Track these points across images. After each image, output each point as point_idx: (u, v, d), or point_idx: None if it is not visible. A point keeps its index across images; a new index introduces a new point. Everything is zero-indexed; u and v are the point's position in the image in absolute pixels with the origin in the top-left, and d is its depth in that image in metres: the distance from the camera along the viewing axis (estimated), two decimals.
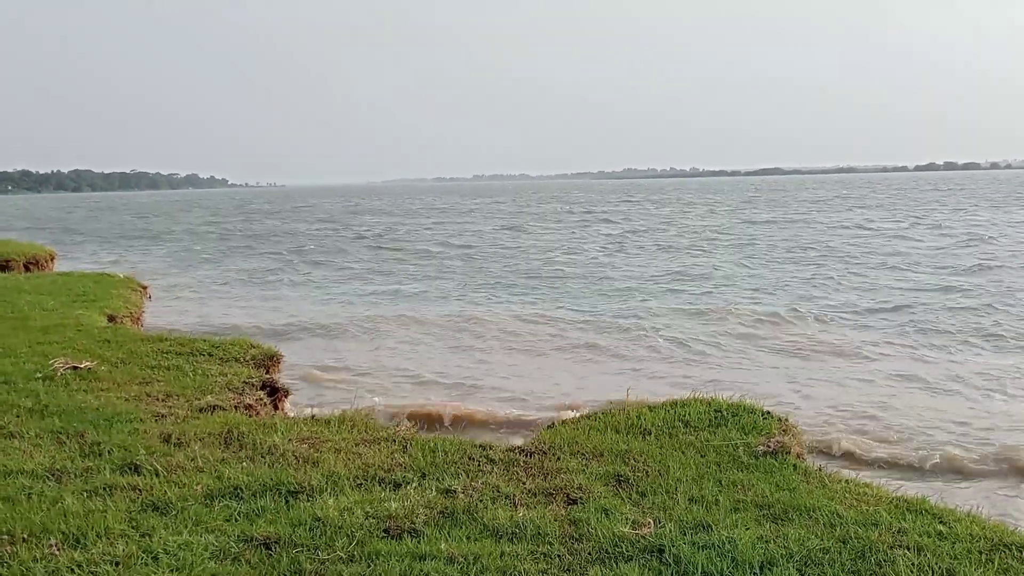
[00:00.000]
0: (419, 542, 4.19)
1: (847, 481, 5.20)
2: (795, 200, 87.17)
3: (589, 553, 4.13)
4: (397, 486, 4.98)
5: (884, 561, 4.02)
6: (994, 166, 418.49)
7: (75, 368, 7.71)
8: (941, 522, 4.49)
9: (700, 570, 3.93)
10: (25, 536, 4.17)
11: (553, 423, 6.59)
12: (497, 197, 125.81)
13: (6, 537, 4.15)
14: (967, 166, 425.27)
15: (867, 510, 4.63)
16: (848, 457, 9.50)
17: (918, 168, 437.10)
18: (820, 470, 5.38)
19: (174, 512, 4.52)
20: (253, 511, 4.55)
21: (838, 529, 4.38)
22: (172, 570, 3.86)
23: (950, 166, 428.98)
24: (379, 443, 5.85)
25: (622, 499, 4.81)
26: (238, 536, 4.22)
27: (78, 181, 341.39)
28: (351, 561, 4.00)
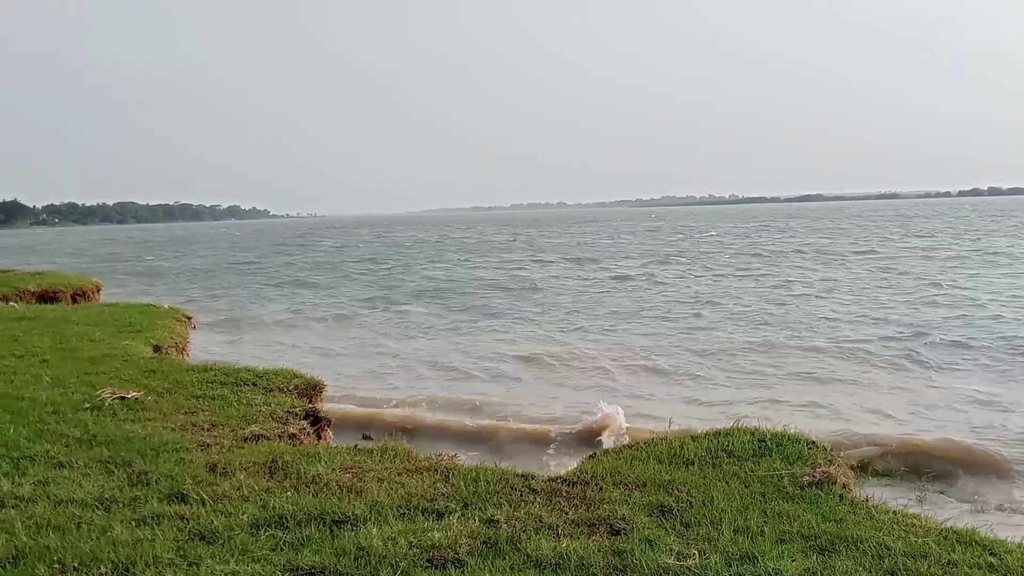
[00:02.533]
0: (463, 572, 4.20)
1: (895, 512, 5.12)
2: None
3: None
4: (440, 516, 4.99)
5: None
6: None
7: (122, 398, 7.83)
8: (991, 554, 4.42)
9: None
10: (76, 565, 4.23)
11: (595, 453, 6.56)
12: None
13: (57, 566, 4.22)
14: (1012, 191, 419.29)
15: (916, 541, 4.57)
16: None
17: (961, 193, 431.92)
18: (867, 501, 5.31)
19: (221, 541, 4.56)
20: (298, 540, 4.58)
21: (886, 561, 4.32)
22: None
23: (994, 191, 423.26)
24: (421, 472, 5.87)
25: (666, 530, 4.78)
26: (284, 565, 4.25)
27: (123, 213, 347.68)
28: None
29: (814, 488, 5.42)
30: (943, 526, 4.90)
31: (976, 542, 4.60)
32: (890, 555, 4.39)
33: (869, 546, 4.50)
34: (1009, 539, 4.73)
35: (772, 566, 4.21)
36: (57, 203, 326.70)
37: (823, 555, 4.42)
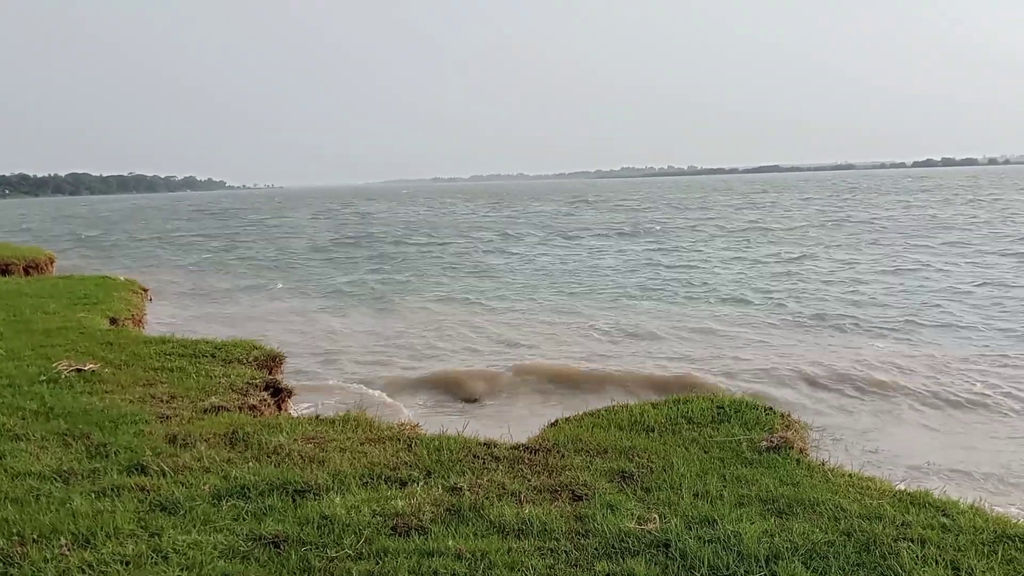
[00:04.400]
0: (427, 539, 4.22)
1: (851, 475, 5.23)
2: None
3: (596, 548, 4.15)
4: (403, 484, 5.00)
5: (888, 553, 4.04)
6: (992, 162, 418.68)
7: (79, 370, 7.74)
8: (944, 514, 4.52)
9: (706, 564, 3.96)
10: (35, 537, 4.20)
11: (556, 421, 6.61)
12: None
13: (16, 538, 4.18)
14: (965, 162, 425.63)
15: (871, 503, 4.66)
16: None
17: (916, 164, 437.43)
18: (823, 465, 5.41)
19: (182, 512, 4.55)
20: (261, 510, 4.57)
21: (842, 522, 4.41)
22: (182, 569, 3.88)
23: (948, 162, 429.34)
24: (384, 442, 5.87)
25: (627, 495, 4.84)
26: (247, 535, 4.25)
27: (75, 184, 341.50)
28: (360, 558, 4.03)
29: (772, 453, 5.51)
30: (898, 488, 5.01)
31: (929, 503, 4.71)
32: (846, 517, 4.48)
33: (825, 508, 4.59)
34: (961, 500, 4.85)
35: (731, 529, 4.28)
36: (7, 174, 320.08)
37: (781, 517, 4.50)
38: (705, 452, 5.61)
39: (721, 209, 74.00)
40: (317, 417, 6.69)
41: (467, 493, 4.82)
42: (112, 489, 4.86)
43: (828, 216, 58.05)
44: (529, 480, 5.10)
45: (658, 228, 52.78)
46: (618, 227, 54.55)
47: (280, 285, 29.57)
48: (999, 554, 4.06)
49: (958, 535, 4.27)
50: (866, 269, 29.14)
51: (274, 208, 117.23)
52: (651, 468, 5.28)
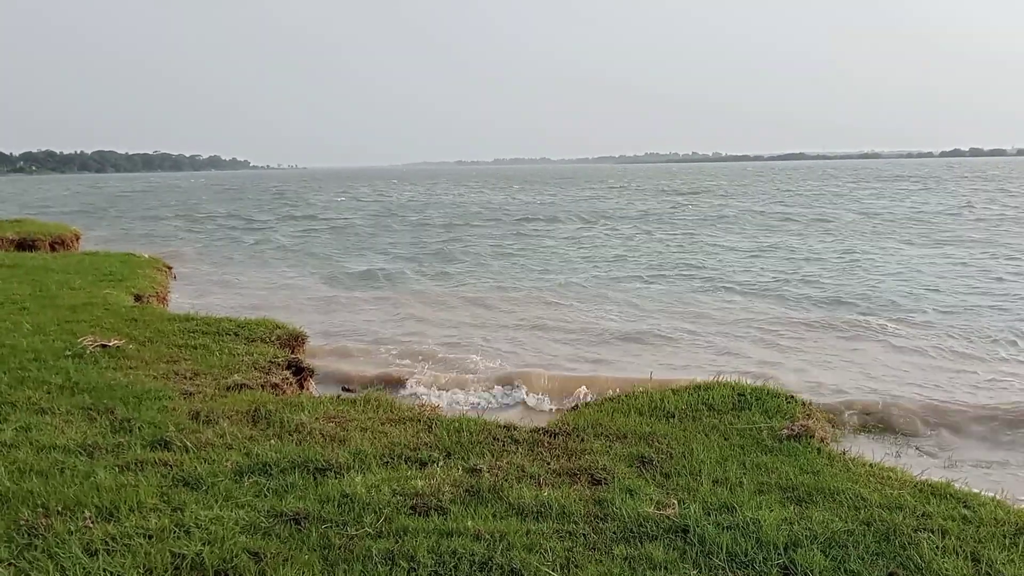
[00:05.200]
0: (446, 519, 4.24)
1: (871, 465, 5.21)
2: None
3: (614, 532, 4.16)
4: (423, 464, 5.03)
5: (908, 544, 4.03)
6: (1020, 152, 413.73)
7: (104, 346, 7.81)
8: (966, 506, 4.50)
9: (725, 550, 3.96)
10: (59, 509, 4.25)
11: (577, 405, 6.61)
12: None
13: (41, 510, 4.23)
14: (993, 152, 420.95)
15: (891, 493, 4.65)
16: None
17: (943, 154, 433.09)
18: (844, 454, 5.39)
19: (205, 487, 4.59)
20: (282, 487, 4.61)
21: (862, 512, 4.40)
22: (204, 543, 3.92)
23: (976, 152, 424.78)
24: (404, 423, 5.91)
25: (646, 480, 4.84)
26: (268, 511, 4.28)
27: (101, 162, 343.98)
28: (379, 537, 4.05)
29: (792, 441, 5.50)
30: (918, 479, 4.98)
31: (951, 495, 4.68)
32: (866, 506, 4.47)
33: (845, 497, 4.58)
34: (983, 491, 4.82)
35: (750, 516, 4.27)
36: (35, 151, 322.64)
37: (800, 506, 4.49)
38: (725, 439, 5.60)
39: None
40: (338, 397, 6.74)
41: (486, 474, 4.84)
42: (135, 463, 4.91)
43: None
44: (548, 463, 5.11)
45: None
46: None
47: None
48: (1020, 546, 4.03)
49: (979, 526, 4.25)
50: None
51: (320, 188, 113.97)
52: (671, 454, 5.28)
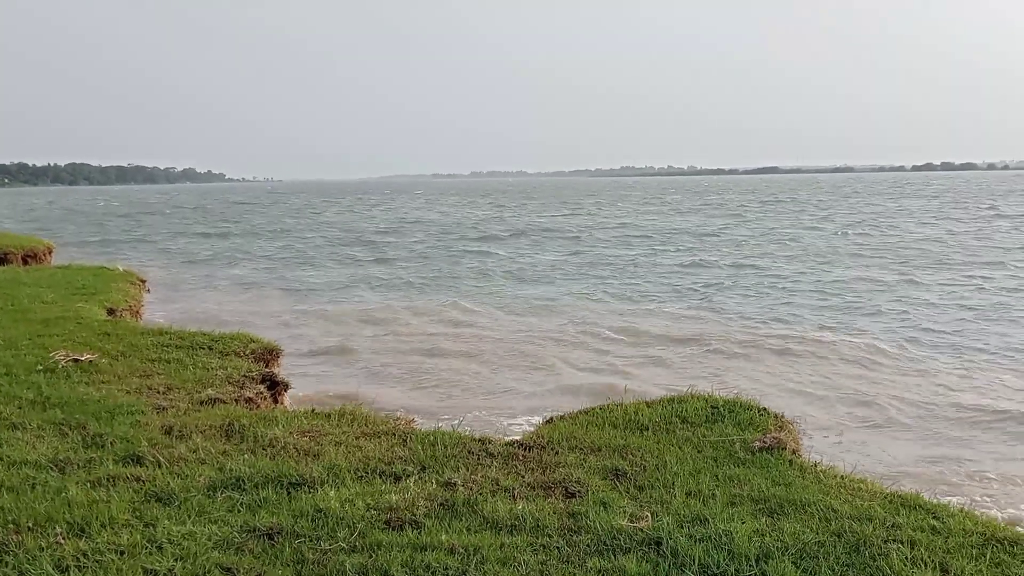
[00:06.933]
0: (420, 533, 4.24)
1: (842, 477, 5.25)
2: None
3: (588, 545, 4.18)
4: (397, 478, 5.03)
5: (878, 555, 4.07)
6: (991, 167, 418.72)
7: (76, 360, 7.76)
8: (935, 517, 4.55)
9: (697, 562, 3.99)
10: (30, 525, 4.22)
11: (551, 418, 6.64)
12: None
13: (12, 526, 4.20)
14: (964, 166, 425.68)
15: (861, 505, 4.69)
16: None
17: (915, 168, 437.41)
18: (815, 465, 5.43)
19: (177, 503, 4.57)
20: (255, 502, 4.60)
21: (833, 523, 4.44)
22: (176, 559, 3.91)
23: (947, 166, 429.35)
24: (379, 436, 5.90)
25: (620, 493, 4.86)
26: (241, 527, 4.27)
27: (74, 175, 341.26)
28: (353, 551, 4.05)
29: (764, 453, 5.53)
30: (888, 490, 5.03)
31: (920, 506, 4.73)
32: (836, 518, 4.51)
33: (816, 509, 4.62)
34: (952, 503, 4.88)
35: (723, 528, 4.30)
36: (6, 163, 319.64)
37: (772, 517, 4.53)
38: (698, 451, 5.64)
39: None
40: (313, 411, 6.71)
41: (461, 488, 4.84)
42: (108, 479, 4.89)
43: None
44: (523, 476, 5.12)
45: None
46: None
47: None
48: (987, 556, 4.09)
49: (947, 537, 4.30)
50: None
51: (312, 203, 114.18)
52: (644, 466, 5.31)
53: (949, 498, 5.11)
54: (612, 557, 4.05)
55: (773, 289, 26.15)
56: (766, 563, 3.99)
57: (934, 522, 4.48)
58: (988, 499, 9.34)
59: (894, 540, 4.23)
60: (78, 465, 5.14)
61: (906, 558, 4.04)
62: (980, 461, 10.68)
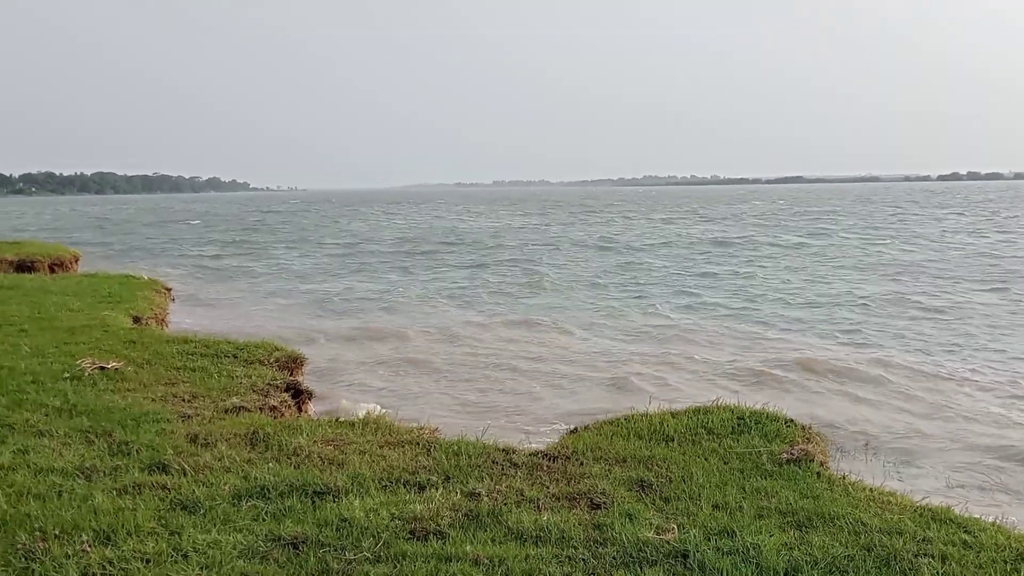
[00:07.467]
0: (444, 544, 4.22)
1: (871, 489, 5.19)
2: None
3: (613, 557, 4.15)
4: (422, 488, 5.01)
5: (908, 569, 4.02)
6: (1018, 176, 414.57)
7: (102, 368, 7.80)
8: (966, 531, 4.48)
9: (725, 575, 3.95)
10: (57, 533, 4.23)
11: (576, 428, 6.60)
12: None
13: (38, 534, 4.22)
14: (990, 176, 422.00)
15: (891, 518, 4.63)
16: None
17: (941, 178, 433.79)
18: (844, 478, 5.37)
19: (202, 511, 4.57)
20: (280, 511, 4.60)
21: (862, 537, 4.38)
22: (202, 568, 3.91)
23: (973, 176, 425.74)
24: (403, 446, 5.89)
25: (646, 504, 4.82)
26: (266, 535, 4.27)
27: (101, 184, 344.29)
28: (378, 561, 4.04)
29: (792, 465, 5.48)
30: (919, 504, 4.97)
31: (951, 520, 4.67)
32: (866, 531, 4.45)
33: (845, 522, 4.56)
34: (983, 517, 4.80)
35: (750, 541, 4.26)
36: (34, 172, 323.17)
37: (800, 530, 4.48)
38: (725, 463, 5.59)
39: None
40: (337, 419, 6.72)
41: (485, 499, 4.82)
42: (133, 487, 4.90)
43: None
44: (548, 487, 5.09)
45: None
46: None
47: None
48: (1021, 572, 4.02)
49: (979, 552, 4.23)
50: None
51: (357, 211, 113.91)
52: (670, 478, 5.27)
53: (980, 511, 5.02)
54: (638, 570, 4.02)
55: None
56: None
57: (965, 536, 4.42)
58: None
59: (925, 554, 4.17)
60: (104, 473, 5.16)
61: (937, 573, 3.99)
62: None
